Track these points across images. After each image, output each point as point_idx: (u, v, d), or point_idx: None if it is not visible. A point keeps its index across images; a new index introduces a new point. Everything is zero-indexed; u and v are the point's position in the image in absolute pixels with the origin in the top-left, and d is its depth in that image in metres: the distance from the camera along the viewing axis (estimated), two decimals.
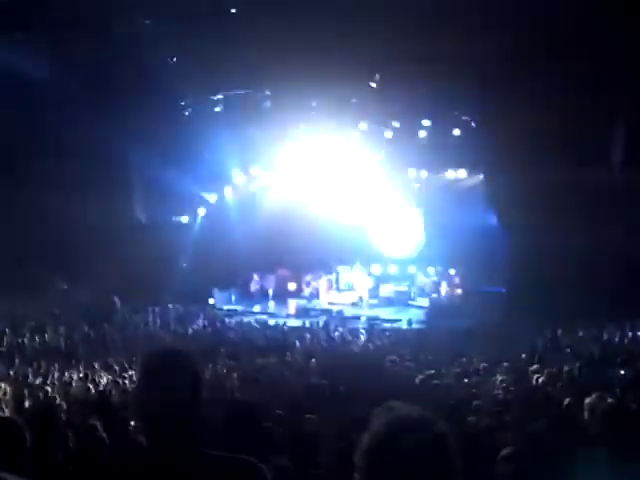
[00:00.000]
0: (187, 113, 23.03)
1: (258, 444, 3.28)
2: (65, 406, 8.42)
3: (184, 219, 26.15)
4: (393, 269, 26.27)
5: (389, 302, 24.75)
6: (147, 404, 2.38)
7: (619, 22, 15.63)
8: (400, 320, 21.96)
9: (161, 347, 2.87)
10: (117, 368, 13.36)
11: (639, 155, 19.66)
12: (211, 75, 20.98)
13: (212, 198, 26.73)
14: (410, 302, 24.71)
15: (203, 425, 2.41)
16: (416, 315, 22.71)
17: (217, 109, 22.95)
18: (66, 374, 12.94)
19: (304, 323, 21.00)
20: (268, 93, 22.44)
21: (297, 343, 17.00)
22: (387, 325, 21.52)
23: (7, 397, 9.54)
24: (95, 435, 5.89)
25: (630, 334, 16.30)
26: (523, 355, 14.32)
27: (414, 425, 2.02)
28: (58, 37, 16.74)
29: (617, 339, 16.23)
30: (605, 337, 16.59)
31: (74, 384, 11.59)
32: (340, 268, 25.58)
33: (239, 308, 24.19)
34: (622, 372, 11.45)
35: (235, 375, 11.44)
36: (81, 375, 12.65)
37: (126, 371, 12.87)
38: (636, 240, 19.34)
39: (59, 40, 17.10)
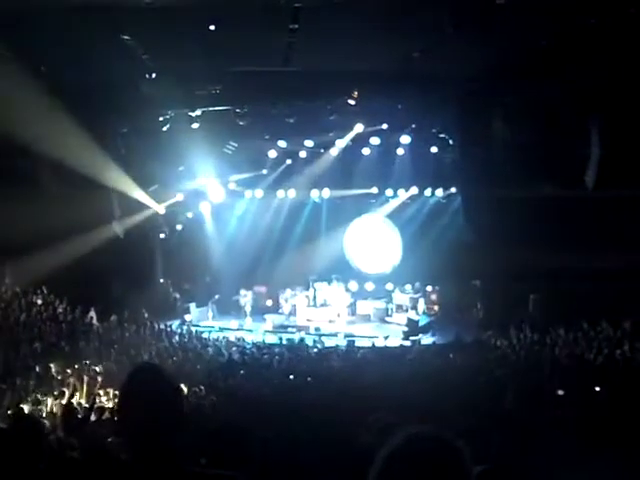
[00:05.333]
0: (165, 129, 23.01)
1: (240, 465, 3.27)
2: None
3: (161, 234, 26.05)
4: (370, 286, 26.32)
5: (366, 319, 24.77)
6: (130, 420, 2.37)
7: (599, 42, 15.86)
8: (377, 337, 21.94)
9: (142, 364, 2.87)
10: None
11: (612, 175, 19.92)
12: (189, 91, 20.99)
13: (189, 214, 26.69)
14: (387, 319, 24.75)
15: (186, 442, 2.40)
16: (393, 332, 22.71)
17: (195, 125, 22.97)
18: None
19: (281, 339, 20.95)
20: (246, 110, 22.49)
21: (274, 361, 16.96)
22: (363, 343, 21.45)
23: None
24: (70, 452, 5.83)
25: (606, 351, 16.40)
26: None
27: (430, 443, 2.03)
28: (38, 49, 16.66)
29: (592, 356, 16.32)
30: (579, 353, 16.69)
31: (49, 401, 11.47)
32: (318, 285, 25.56)
33: (216, 324, 24.06)
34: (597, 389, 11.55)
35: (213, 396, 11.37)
36: (56, 392, 12.52)
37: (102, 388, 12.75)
38: (609, 259, 19.54)
39: (39, 52, 17.00)
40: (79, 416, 8.98)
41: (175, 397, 2.44)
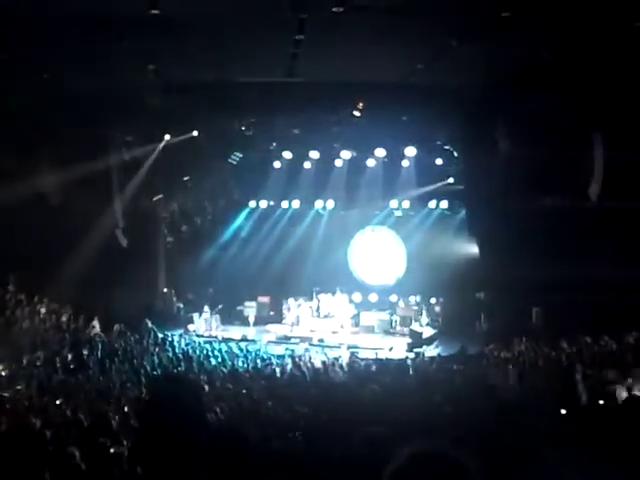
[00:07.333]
0: (170, 138, 23.14)
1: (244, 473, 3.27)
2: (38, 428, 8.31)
3: (167, 244, 26.14)
4: (374, 297, 26.32)
5: (370, 330, 24.73)
6: (151, 431, 2.34)
7: (603, 54, 15.89)
8: (381, 348, 21.89)
9: (167, 373, 2.86)
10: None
11: (616, 187, 19.93)
12: (193, 101, 21.06)
13: (195, 224, 26.78)
14: (391, 330, 24.71)
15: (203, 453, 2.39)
16: (397, 344, 22.66)
17: (200, 135, 23.11)
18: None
19: (285, 350, 20.91)
20: (252, 120, 22.57)
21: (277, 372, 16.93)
22: (367, 354, 21.40)
23: None
24: (72, 463, 5.81)
25: (609, 365, 16.32)
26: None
27: (436, 459, 2.02)
28: (42, 58, 16.73)
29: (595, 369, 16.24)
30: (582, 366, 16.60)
31: (52, 410, 11.43)
32: (321, 296, 25.56)
33: (219, 334, 24.03)
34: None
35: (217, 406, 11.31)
36: (58, 402, 12.49)
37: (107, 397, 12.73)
38: (613, 271, 19.50)
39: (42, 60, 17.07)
40: (83, 425, 8.98)
41: (197, 408, 2.43)
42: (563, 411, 10.16)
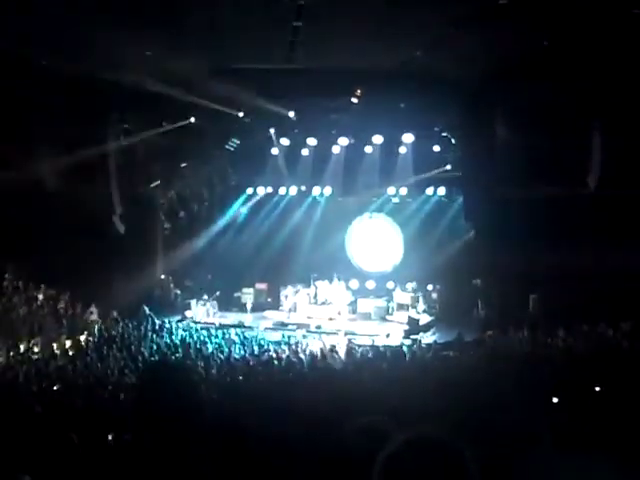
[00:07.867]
0: (167, 124, 23.10)
1: (243, 463, 3.30)
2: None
3: (165, 231, 26.14)
4: (371, 284, 26.36)
5: (367, 317, 24.77)
6: (146, 416, 2.36)
7: (599, 43, 15.87)
8: (378, 335, 21.94)
9: (161, 360, 2.88)
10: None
11: (614, 175, 19.95)
12: (192, 93, 21.03)
13: (192, 210, 26.78)
14: (388, 317, 24.74)
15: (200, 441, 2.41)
16: (394, 330, 22.70)
17: (198, 121, 23.10)
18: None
19: (282, 337, 20.95)
20: (250, 107, 22.53)
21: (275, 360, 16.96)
22: (364, 341, 21.46)
23: None
24: (70, 450, 5.82)
25: (605, 352, 16.37)
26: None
27: (430, 444, 2.02)
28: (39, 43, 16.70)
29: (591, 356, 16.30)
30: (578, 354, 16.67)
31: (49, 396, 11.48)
32: (319, 282, 25.58)
33: (216, 321, 24.06)
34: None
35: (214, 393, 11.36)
36: (55, 388, 12.54)
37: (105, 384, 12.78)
38: (609, 259, 19.54)
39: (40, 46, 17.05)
40: (81, 412, 9.02)
41: (191, 393, 2.45)
42: (555, 399, 10.23)
